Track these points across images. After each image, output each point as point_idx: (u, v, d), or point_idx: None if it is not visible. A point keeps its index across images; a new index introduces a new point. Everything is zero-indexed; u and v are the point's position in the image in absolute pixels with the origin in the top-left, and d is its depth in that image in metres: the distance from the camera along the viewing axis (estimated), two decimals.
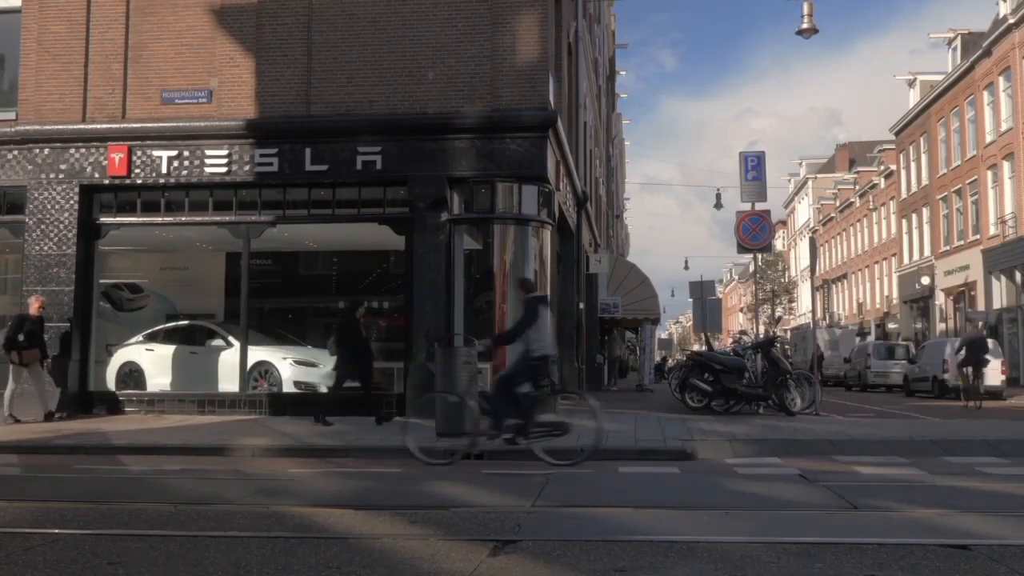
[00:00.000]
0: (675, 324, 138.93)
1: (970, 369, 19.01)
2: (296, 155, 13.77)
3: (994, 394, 21.78)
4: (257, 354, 14.13)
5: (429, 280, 13.40)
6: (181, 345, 14.84)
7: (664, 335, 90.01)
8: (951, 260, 37.67)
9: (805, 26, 15.55)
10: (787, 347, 40.44)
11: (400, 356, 13.88)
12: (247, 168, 13.93)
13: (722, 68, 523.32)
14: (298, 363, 14.23)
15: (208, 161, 13.96)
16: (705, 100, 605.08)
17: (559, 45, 15.90)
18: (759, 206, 16.62)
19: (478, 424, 8.76)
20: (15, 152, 14.41)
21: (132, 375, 14.64)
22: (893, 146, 46.57)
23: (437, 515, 5.83)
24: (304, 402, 13.65)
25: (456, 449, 8.67)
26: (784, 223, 73.45)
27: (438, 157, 13.50)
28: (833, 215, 59.65)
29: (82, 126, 14.18)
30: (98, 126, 14.16)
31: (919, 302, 42.25)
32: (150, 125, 14.06)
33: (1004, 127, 32.59)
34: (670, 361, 52.79)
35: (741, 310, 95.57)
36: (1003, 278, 33.11)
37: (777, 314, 59.68)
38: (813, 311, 30.52)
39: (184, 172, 14.02)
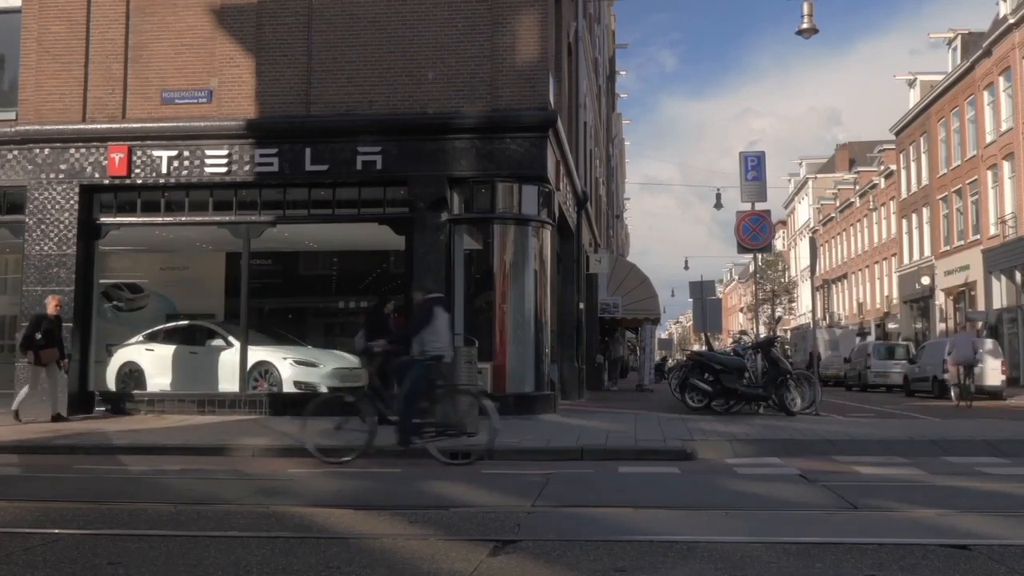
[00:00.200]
0: (675, 324, 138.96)
1: (962, 369, 19.26)
2: (296, 155, 13.77)
3: (994, 394, 21.84)
4: (257, 354, 14.13)
5: (429, 280, 13.39)
6: (181, 345, 14.84)
7: (664, 335, 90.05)
8: (951, 260, 37.68)
9: (805, 26, 15.55)
10: (787, 347, 40.48)
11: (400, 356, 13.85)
12: (247, 168, 13.93)
13: (722, 68, 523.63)
14: (298, 363, 14.23)
15: (208, 161, 13.97)
16: (705, 100, 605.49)
17: (559, 45, 15.90)
18: (759, 206, 16.62)
19: (375, 423, 8.82)
20: (15, 152, 14.41)
21: (132, 375, 14.64)
22: (893, 146, 46.57)
23: (437, 515, 5.82)
24: (304, 402, 13.62)
25: (353, 448, 8.70)
26: (784, 223, 73.46)
27: (438, 157, 13.50)
28: (833, 215, 59.65)
29: (82, 126, 14.18)
30: (98, 126, 14.16)
31: (919, 302, 42.25)
32: (150, 125, 14.06)
33: (1004, 127, 32.58)
34: (670, 361, 52.78)
35: (741, 310, 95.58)
36: (1003, 278, 33.10)
37: (777, 314, 59.69)
38: (813, 311, 30.50)
39: (184, 172, 14.02)
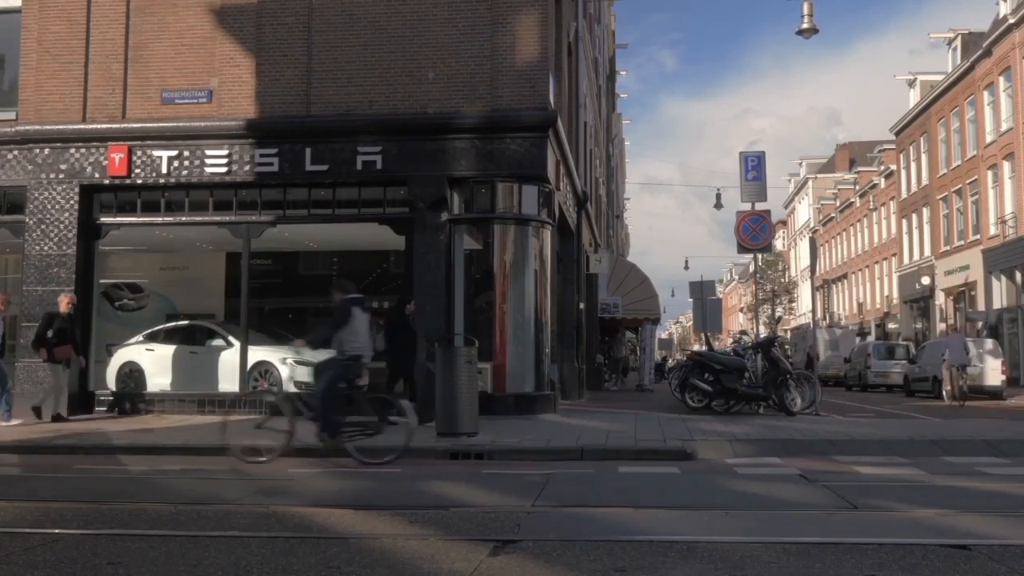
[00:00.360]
0: (675, 324, 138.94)
1: (955, 370, 19.62)
2: (296, 155, 13.77)
3: (994, 394, 21.85)
4: (257, 354, 14.12)
5: (429, 280, 13.40)
6: (181, 345, 14.84)
7: (664, 335, 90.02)
8: (951, 260, 37.67)
9: (805, 26, 15.55)
10: (787, 347, 40.46)
11: None
12: (247, 168, 13.93)
13: (722, 68, 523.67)
14: (298, 363, 14.21)
15: (208, 161, 13.97)
16: (705, 100, 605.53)
17: (559, 45, 15.90)
18: (759, 206, 16.63)
19: (295, 422, 8.88)
20: (15, 152, 14.41)
21: (132, 375, 14.64)
22: (893, 146, 46.57)
23: (437, 515, 5.82)
24: (304, 402, 13.61)
25: (273, 448, 8.75)
26: (784, 223, 73.45)
27: (438, 157, 13.50)
28: (833, 215, 59.65)
29: (82, 126, 14.18)
30: (98, 126, 14.17)
31: (919, 302, 42.24)
32: (150, 125, 14.06)
33: (1004, 127, 32.58)
34: (670, 361, 52.78)
35: (741, 310, 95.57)
36: (1003, 278, 33.10)
37: (777, 314, 59.68)
38: (813, 311, 30.53)
39: (184, 172, 14.03)
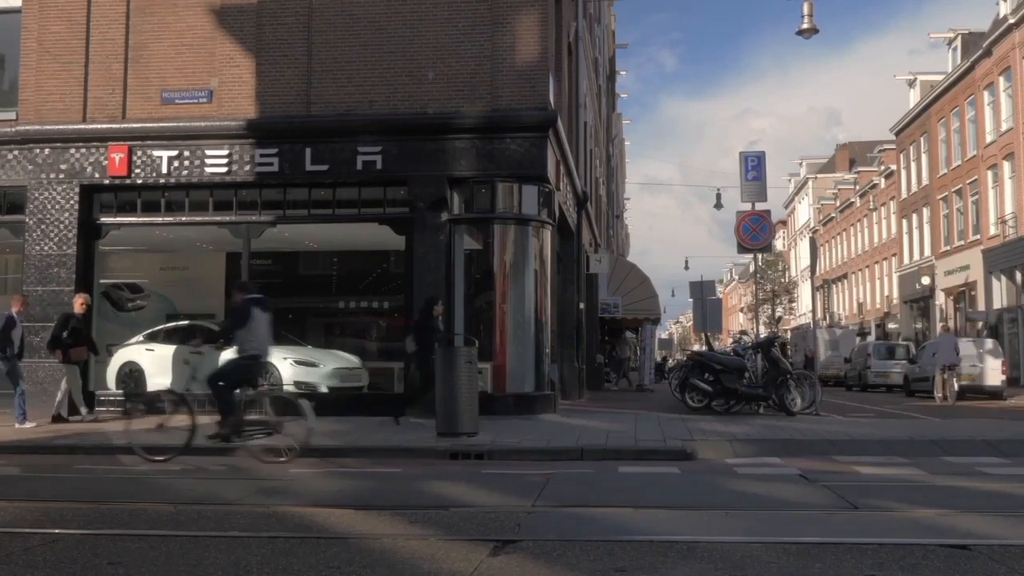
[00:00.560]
0: (675, 324, 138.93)
1: (946, 370, 20.13)
2: (296, 155, 13.78)
3: (994, 394, 21.87)
4: None
5: (429, 280, 13.40)
6: (181, 345, 14.81)
7: (664, 335, 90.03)
8: (951, 260, 37.67)
9: (805, 26, 15.55)
10: (787, 347, 40.44)
11: (400, 356, 13.87)
12: (247, 168, 13.94)
13: (722, 68, 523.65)
14: (298, 363, 14.22)
15: (208, 161, 13.97)
16: (705, 100, 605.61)
17: (559, 45, 15.90)
18: (759, 206, 16.63)
19: (195, 422, 8.99)
20: (15, 152, 14.41)
21: (132, 375, 14.63)
22: (893, 146, 46.57)
23: (437, 515, 5.82)
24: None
25: (174, 446, 8.86)
26: (784, 223, 73.44)
27: (438, 157, 13.50)
28: (833, 215, 59.64)
29: (82, 126, 14.19)
30: (98, 126, 14.17)
31: (919, 302, 42.25)
32: (150, 125, 14.07)
33: (1004, 127, 32.58)
34: (670, 361, 52.77)
35: (741, 310, 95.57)
36: (1003, 278, 33.10)
37: (777, 314, 59.67)
38: (813, 311, 30.54)
39: (184, 172, 14.03)
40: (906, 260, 44.02)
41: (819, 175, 65.84)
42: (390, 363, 14.41)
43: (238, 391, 9.06)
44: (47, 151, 14.24)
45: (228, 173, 13.96)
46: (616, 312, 27.47)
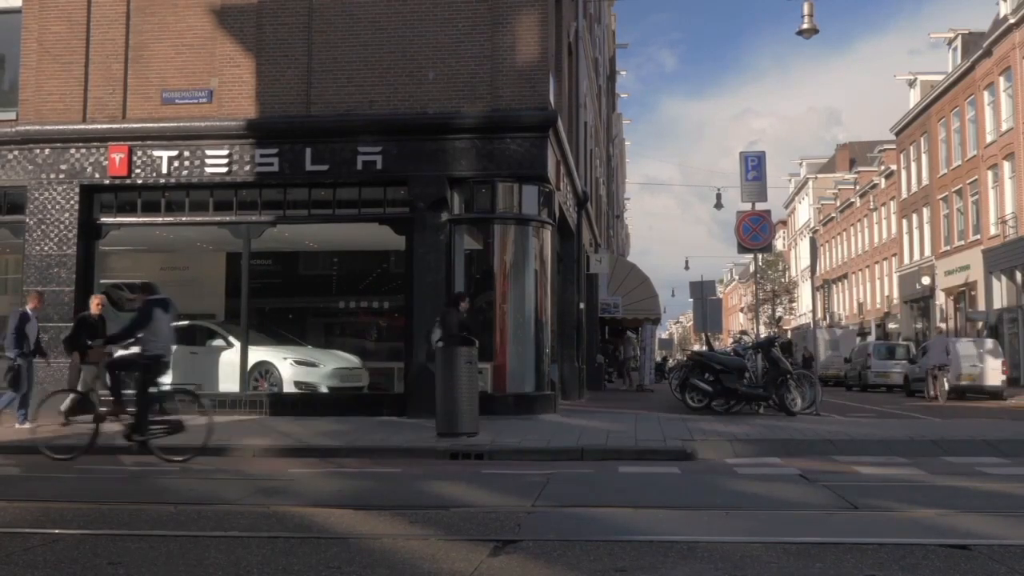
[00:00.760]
0: (675, 324, 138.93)
1: (937, 371, 20.70)
2: (296, 155, 13.77)
3: (994, 394, 21.90)
4: (257, 354, 14.12)
5: (429, 280, 13.40)
6: (181, 345, 14.77)
7: (664, 335, 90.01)
8: (951, 260, 37.67)
9: (805, 26, 15.55)
10: (792, 346, 40.41)
11: (400, 356, 13.88)
12: (247, 168, 13.93)
13: (722, 68, 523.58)
14: (298, 363, 14.22)
15: (208, 161, 13.97)
16: (705, 100, 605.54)
17: (559, 45, 15.90)
18: (759, 206, 16.63)
19: (99, 422, 9.15)
20: (15, 152, 14.41)
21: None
22: (893, 146, 46.58)
23: (437, 515, 5.82)
24: (304, 402, 13.65)
25: (79, 445, 9.01)
26: (784, 223, 73.45)
27: (438, 157, 13.50)
28: (833, 215, 59.65)
29: (82, 126, 14.19)
30: (98, 126, 14.17)
31: (919, 302, 42.25)
32: (150, 125, 14.07)
33: (1004, 127, 32.58)
34: (670, 361, 52.76)
35: (741, 310, 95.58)
36: (1003, 278, 33.10)
37: (777, 314, 59.65)
38: (813, 311, 30.53)
39: (184, 172, 14.03)
40: (906, 260, 44.02)
41: (819, 175, 65.85)
42: (390, 363, 14.42)
43: (153, 390, 9.20)
44: (47, 151, 14.24)
45: (228, 173, 13.96)
46: (616, 312, 27.47)
